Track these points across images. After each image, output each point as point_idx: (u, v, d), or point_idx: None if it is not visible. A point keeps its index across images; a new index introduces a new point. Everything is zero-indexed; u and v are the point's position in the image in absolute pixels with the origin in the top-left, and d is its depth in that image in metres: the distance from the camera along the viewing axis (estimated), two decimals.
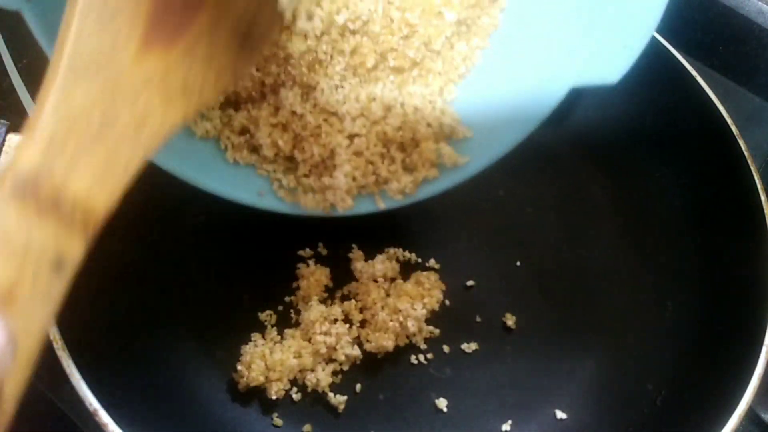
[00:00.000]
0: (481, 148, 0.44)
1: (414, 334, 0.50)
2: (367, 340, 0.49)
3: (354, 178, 0.42)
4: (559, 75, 0.41)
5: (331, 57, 0.40)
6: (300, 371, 0.47)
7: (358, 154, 0.42)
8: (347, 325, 0.49)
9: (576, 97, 0.40)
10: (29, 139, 0.25)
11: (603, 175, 0.58)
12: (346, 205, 0.43)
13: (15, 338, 0.21)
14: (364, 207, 0.44)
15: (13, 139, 0.47)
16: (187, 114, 0.31)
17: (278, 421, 0.46)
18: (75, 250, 0.25)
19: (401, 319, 0.48)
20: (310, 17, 0.38)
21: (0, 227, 0.23)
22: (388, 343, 0.48)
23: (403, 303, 0.49)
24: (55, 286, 0.24)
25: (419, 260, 0.53)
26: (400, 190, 0.43)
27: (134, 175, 0.28)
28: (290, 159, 0.44)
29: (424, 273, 0.52)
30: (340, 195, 0.42)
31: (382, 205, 0.44)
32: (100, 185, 0.26)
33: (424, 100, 0.43)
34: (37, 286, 0.23)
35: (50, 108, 0.26)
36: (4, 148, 0.46)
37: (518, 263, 0.54)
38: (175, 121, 0.30)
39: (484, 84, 0.44)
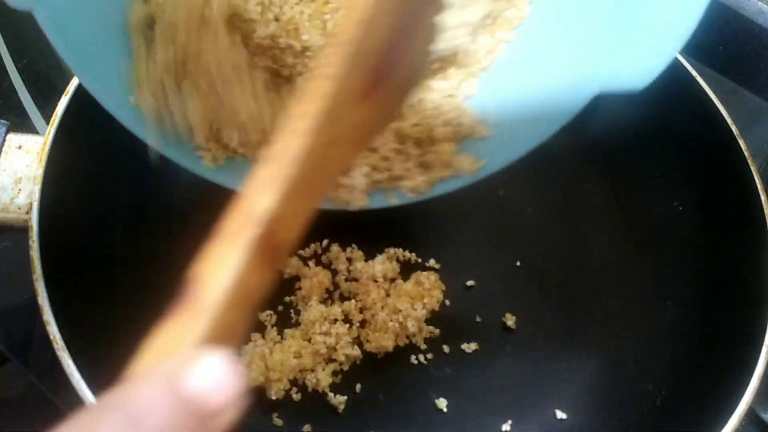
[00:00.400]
0: (499, 148, 0.43)
1: (414, 335, 0.50)
2: (367, 340, 0.49)
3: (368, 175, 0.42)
4: (586, 78, 0.39)
5: None
6: (300, 371, 0.47)
7: (373, 150, 0.41)
8: (347, 325, 0.49)
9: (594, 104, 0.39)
10: (273, 185, 0.25)
11: (603, 175, 0.58)
12: (361, 203, 0.42)
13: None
14: (376, 202, 0.43)
15: (13, 138, 0.47)
16: (358, 154, 0.34)
17: (278, 421, 0.46)
18: (266, 286, 0.26)
19: (401, 319, 0.48)
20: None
21: (242, 273, 0.24)
22: (388, 343, 0.48)
23: (403, 303, 0.49)
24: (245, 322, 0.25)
25: (419, 260, 0.53)
26: (414, 188, 0.42)
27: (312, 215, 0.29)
28: None
29: (424, 273, 0.52)
30: (357, 194, 0.41)
31: (394, 201, 0.43)
32: (296, 227, 0.27)
33: (443, 95, 0.42)
34: (245, 326, 0.24)
35: (299, 157, 0.26)
36: (4, 148, 0.46)
37: (518, 263, 0.54)
38: (351, 162, 0.34)
39: (505, 80, 0.43)
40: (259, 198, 0.25)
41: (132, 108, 0.38)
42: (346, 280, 0.51)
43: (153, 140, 0.39)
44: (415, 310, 0.49)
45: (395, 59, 0.31)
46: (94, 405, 0.19)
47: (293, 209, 0.26)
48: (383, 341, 0.48)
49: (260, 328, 0.49)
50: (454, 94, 0.42)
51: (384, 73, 0.30)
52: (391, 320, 0.48)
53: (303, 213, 0.27)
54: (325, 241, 0.52)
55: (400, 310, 0.48)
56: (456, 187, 0.43)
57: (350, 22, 0.28)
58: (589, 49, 0.40)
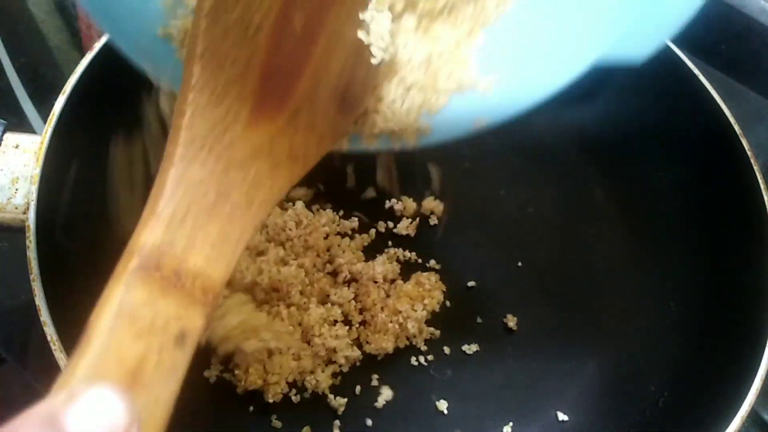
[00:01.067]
0: (498, 103, 0.42)
1: (414, 336, 0.49)
2: (367, 342, 0.48)
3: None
4: (588, 43, 0.38)
5: None
6: (299, 373, 0.46)
7: (378, 99, 0.40)
8: (347, 327, 0.48)
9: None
10: (152, 215, 0.26)
11: (604, 175, 0.57)
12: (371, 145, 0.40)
13: (139, 417, 0.21)
14: (382, 145, 0.42)
15: (10, 138, 0.47)
16: (292, 180, 0.31)
17: (277, 423, 0.46)
18: (196, 323, 0.26)
19: (401, 320, 0.48)
20: None
21: (128, 304, 0.24)
22: (388, 344, 0.48)
23: (403, 304, 0.48)
24: (178, 360, 0.25)
25: (419, 261, 0.53)
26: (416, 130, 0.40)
27: (245, 247, 0.29)
28: None
29: (425, 274, 0.51)
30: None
31: (397, 146, 0.42)
32: (216, 258, 0.27)
33: (450, 46, 0.41)
34: (163, 361, 0.24)
35: (171, 185, 0.27)
36: (1, 147, 0.46)
37: (519, 264, 0.54)
38: (283, 188, 0.31)
39: (511, 33, 0.42)
40: (142, 230, 0.26)
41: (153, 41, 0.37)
42: (346, 280, 0.50)
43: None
44: (416, 311, 0.48)
45: (287, 72, 0.31)
46: None
47: (194, 239, 0.26)
48: (383, 342, 0.48)
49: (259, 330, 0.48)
50: (461, 44, 0.42)
51: (278, 88, 0.30)
52: (391, 321, 0.48)
53: (215, 241, 0.27)
54: (325, 242, 0.52)
55: (400, 311, 0.48)
56: (455, 134, 0.41)
57: (190, 58, 0.28)
58: (595, 15, 0.39)
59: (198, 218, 0.27)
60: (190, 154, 0.27)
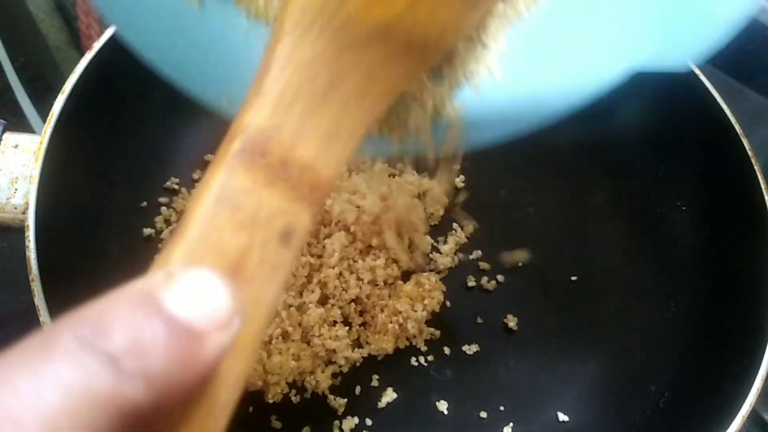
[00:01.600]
0: (523, 111, 0.41)
1: (414, 336, 0.49)
2: (367, 342, 0.48)
3: None
4: (627, 51, 0.36)
5: None
6: (299, 373, 0.46)
7: None
8: (347, 327, 0.48)
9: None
10: (257, 96, 0.23)
11: (605, 175, 0.57)
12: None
13: (243, 310, 0.19)
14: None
15: (9, 138, 0.47)
16: (408, 75, 0.28)
17: (277, 424, 0.46)
18: (303, 220, 0.23)
19: (401, 320, 0.48)
20: None
21: (230, 190, 0.22)
22: (387, 345, 0.48)
23: (403, 304, 0.48)
24: (282, 259, 0.22)
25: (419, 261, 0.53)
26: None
27: (359, 144, 0.26)
28: None
29: (425, 274, 0.51)
30: None
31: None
32: (326, 151, 0.24)
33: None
34: (266, 257, 0.22)
35: (278, 62, 0.24)
36: (0, 147, 0.46)
37: (520, 264, 0.54)
38: (399, 83, 0.27)
39: (543, 32, 0.39)
40: (248, 109, 0.23)
41: None
42: (345, 280, 0.50)
43: None
44: (416, 311, 0.48)
45: None
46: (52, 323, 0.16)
47: (304, 126, 0.23)
48: (383, 343, 0.48)
49: None
50: (488, 45, 0.41)
51: None
52: (391, 322, 0.48)
53: (327, 132, 0.24)
54: (326, 243, 0.52)
55: (400, 312, 0.48)
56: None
57: None
58: (634, 22, 0.38)
59: (308, 103, 0.24)
60: (300, 29, 0.24)
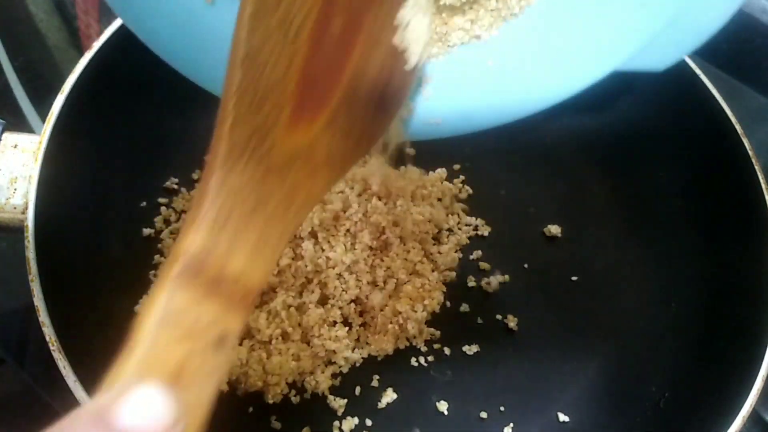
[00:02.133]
0: (511, 100, 0.42)
1: (414, 336, 0.49)
2: (367, 343, 0.48)
3: None
4: (609, 49, 0.38)
5: None
6: (299, 374, 0.46)
7: None
8: (346, 328, 0.48)
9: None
10: (193, 224, 0.26)
11: (606, 175, 0.57)
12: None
13: (185, 414, 0.22)
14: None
15: (8, 137, 0.46)
16: (329, 185, 0.32)
17: (277, 424, 0.46)
18: (235, 326, 0.26)
19: (401, 321, 0.48)
20: None
21: (171, 309, 0.25)
22: (387, 345, 0.48)
23: (403, 305, 0.48)
24: (218, 362, 0.25)
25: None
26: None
27: (282, 251, 0.30)
28: None
29: (425, 274, 0.51)
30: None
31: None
32: (255, 262, 0.27)
33: (470, 35, 0.41)
34: (203, 363, 0.25)
35: (213, 191, 0.27)
36: (0, 146, 0.46)
37: (519, 264, 0.54)
38: (320, 194, 0.31)
39: (530, 29, 0.41)
40: (185, 236, 0.26)
41: None
42: (345, 281, 0.50)
43: None
44: (416, 311, 0.48)
45: (325, 76, 0.31)
46: None
47: (234, 244, 0.27)
48: (383, 343, 0.48)
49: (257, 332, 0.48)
50: (481, 36, 0.42)
51: (317, 93, 0.30)
52: (391, 322, 0.48)
53: (254, 246, 0.28)
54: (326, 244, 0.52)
55: (400, 312, 0.48)
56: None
57: (232, 64, 0.28)
58: (618, 21, 0.39)
59: (239, 224, 0.27)
60: (231, 161, 0.28)
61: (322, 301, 0.49)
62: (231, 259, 0.27)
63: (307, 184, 0.30)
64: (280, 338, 0.46)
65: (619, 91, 0.56)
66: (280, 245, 0.29)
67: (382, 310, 0.48)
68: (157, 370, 0.24)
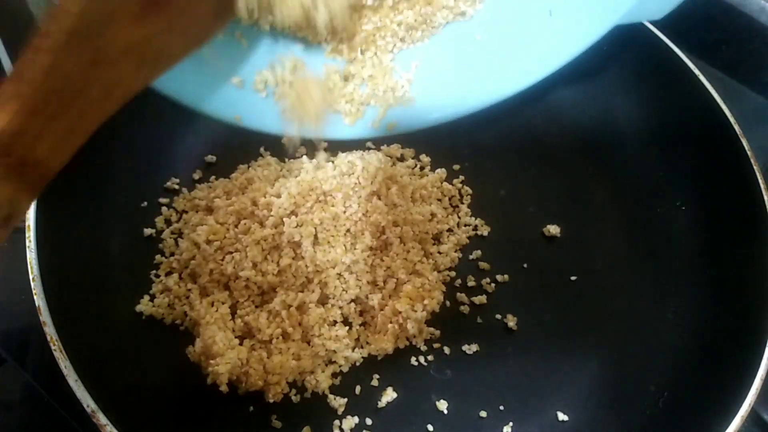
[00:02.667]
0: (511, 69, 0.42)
1: (414, 336, 0.49)
2: (367, 342, 0.48)
3: None
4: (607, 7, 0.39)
5: None
6: (299, 373, 0.46)
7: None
8: (347, 327, 0.48)
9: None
10: (10, 100, 0.26)
11: (605, 175, 0.57)
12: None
13: None
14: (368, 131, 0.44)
15: None
16: (152, 78, 0.32)
17: (277, 423, 0.46)
18: (24, 206, 0.27)
19: (401, 320, 0.48)
20: None
21: None
22: (388, 344, 0.48)
23: (403, 305, 0.48)
24: None
25: None
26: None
27: (87, 139, 0.29)
28: None
29: (425, 273, 0.51)
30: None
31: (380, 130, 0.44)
32: (61, 149, 0.28)
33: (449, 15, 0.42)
34: None
35: (41, 74, 0.26)
36: None
37: (519, 264, 0.54)
38: (138, 88, 0.31)
39: None
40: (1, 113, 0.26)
41: None
42: (346, 281, 0.50)
43: None
44: (416, 311, 0.48)
45: None
46: None
47: (46, 129, 0.27)
48: (383, 343, 0.48)
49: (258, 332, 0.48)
50: (466, 12, 0.42)
51: None
52: (391, 322, 0.48)
53: (63, 132, 0.28)
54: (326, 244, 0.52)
55: (400, 312, 0.48)
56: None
57: None
58: None
59: (55, 110, 0.27)
60: (72, 44, 0.27)
61: (323, 300, 0.49)
62: (38, 145, 0.27)
63: (132, 75, 0.30)
64: (280, 338, 0.46)
65: (618, 88, 0.56)
66: (87, 133, 0.29)
67: (382, 310, 0.48)
68: None
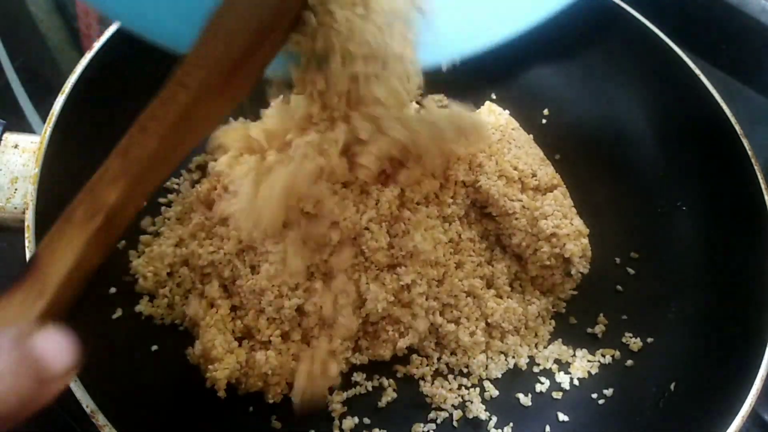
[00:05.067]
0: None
1: (413, 344, 0.49)
2: (366, 348, 0.48)
3: None
4: None
5: None
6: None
7: None
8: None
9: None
10: (117, 180, 0.31)
11: (606, 175, 0.57)
12: None
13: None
14: None
15: (9, 138, 0.47)
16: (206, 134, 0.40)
17: (276, 424, 0.46)
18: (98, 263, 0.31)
19: (402, 329, 0.48)
20: None
21: (82, 260, 0.29)
22: (386, 352, 0.48)
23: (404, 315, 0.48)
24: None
25: None
26: None
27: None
28: None
29: None
30: None
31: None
32: (130, 215, 0.33)
33: None
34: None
35: (146, 157, 0.32)
36: (1, 147, 0.46)
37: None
38: (191, 147, 0.35)
39: None
40: (108, 190, 0.29)
41: None
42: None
43: None
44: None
45: (250, 56, 0.35)
46: None
47: (132, 198, 0.30)
48: (381, 350, 0.47)
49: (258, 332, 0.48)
50: None
51: (239, 67, 0.34)
52: (392, 330, 0.48)
53: (139, 198, 0.32)
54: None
55: (402, 321, 0.48)
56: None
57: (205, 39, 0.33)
58: None
59: (140, 182, 0.32)
60: (176, 129, 0.32)
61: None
62: (122, 211, 0.30)
63: (192, 136, 0.34)
64: (280, 338, 0.46)
65: (619, 88, 0.56)
66: (146, 194, 0.32)
67: (382, 318, 0.48)
68: (58, 311, 0.27)
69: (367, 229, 0.45)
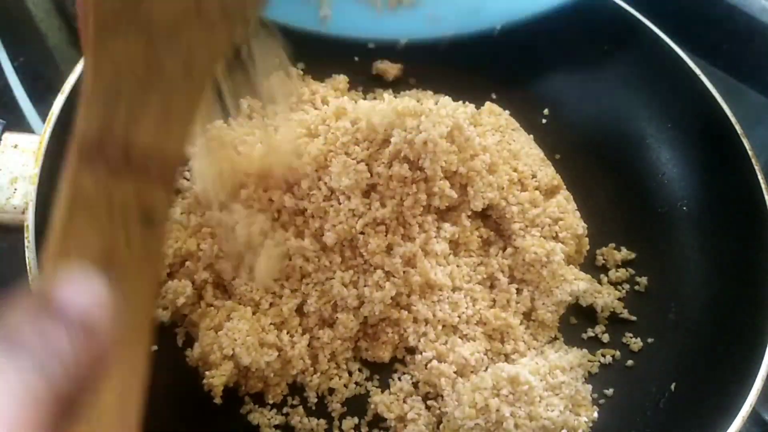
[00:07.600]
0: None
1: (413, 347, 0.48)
2: (366, 349, 0.48)
3: None
4: None
5: None
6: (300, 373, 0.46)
7: None
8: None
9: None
10: (82, 104, 0.25)
11: (606, 175, 0.57)
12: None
13: (125, 299, 0.21)
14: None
15: (8, 137, 0.46)
16: (233, 36, 0.29)
17: (276, 422, 0.46)
18: (160, 200, 0.25)
19: (401, 332, 0.47)
20: None
21: (79, 196, 0.24)
22: (385, 354, 0.47)
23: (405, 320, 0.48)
24: (151, 241, 0.24)
25: None
26: None
27: (194, 116, 0.27)
28: None
29: None
30: None
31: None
32: (165, 132, 0.26)
33: None
34: (132, 240, 0.24)
35: (92, 68, 0.25)
36: (0, 147, 0.46)
37: None
38: (223, 48, 0.29)
39: None
40: (78, 119, 0.25)
41: None
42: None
43: None
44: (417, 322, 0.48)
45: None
46: None
47: (133, 115, 0.26)
48: (381, 351, 0.47)
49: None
50: None
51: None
52: (391, 332, 0.48)
53: (157, 115, 0.26)
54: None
55: (400, 324, 0.48)
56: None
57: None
58: None
59: (132, 98, 0.26)
60: (106, 36, 0.26)
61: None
62: (134, 132, 0.25)
63: (205, 42, 0.28)
64: (279, 339, 0.46)
65: (619, 88, 0.56)
66: (189, 112, 0.27)
67: (382, 321, 0.48)
68: (82, 255, 0.23)
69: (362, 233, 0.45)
